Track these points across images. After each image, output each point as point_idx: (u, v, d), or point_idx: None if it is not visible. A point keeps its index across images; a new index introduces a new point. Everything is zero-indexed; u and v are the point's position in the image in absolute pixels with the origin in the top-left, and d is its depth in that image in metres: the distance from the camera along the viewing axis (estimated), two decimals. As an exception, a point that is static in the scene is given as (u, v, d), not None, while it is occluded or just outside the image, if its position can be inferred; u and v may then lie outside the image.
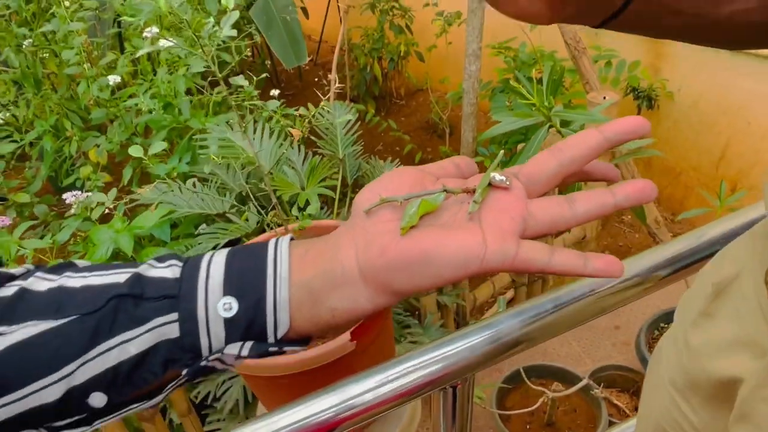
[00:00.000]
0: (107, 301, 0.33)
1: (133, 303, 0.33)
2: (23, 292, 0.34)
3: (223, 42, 1.06)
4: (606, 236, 2.16)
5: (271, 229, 0.84)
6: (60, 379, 0.32)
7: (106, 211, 1.62)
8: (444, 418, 0.57)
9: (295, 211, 0.80)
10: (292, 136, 1.70)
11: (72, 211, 1.49)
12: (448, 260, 0.32)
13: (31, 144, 1.95)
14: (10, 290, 0.34)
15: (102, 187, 1.82)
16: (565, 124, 1.03)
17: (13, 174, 2.41)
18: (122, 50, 2.21)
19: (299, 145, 1.65)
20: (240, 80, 0.73)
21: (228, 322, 0.33)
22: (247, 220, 1.31)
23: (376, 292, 0.34)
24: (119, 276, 0.34)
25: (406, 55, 3.05)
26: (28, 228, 1.57)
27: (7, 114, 1.94)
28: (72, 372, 0.32)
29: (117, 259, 1.51)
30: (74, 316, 0.32)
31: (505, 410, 1.35)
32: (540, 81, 0.96)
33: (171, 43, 1.35)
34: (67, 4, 1.69)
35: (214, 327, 0.33)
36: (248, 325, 0.33)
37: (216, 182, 1.57)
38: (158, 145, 1.00)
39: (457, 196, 0.36)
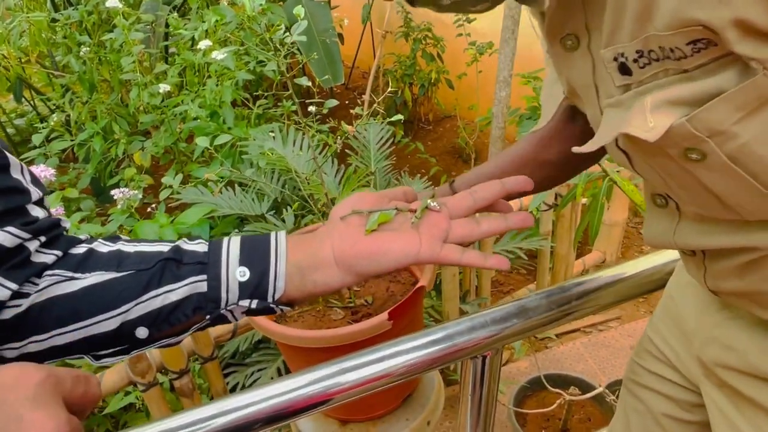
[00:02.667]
0: (156, 263, 0.45)
1: (175, 265, 0.46)
2: (91, 252, 0.47)
3: (267, 59, 1.15)
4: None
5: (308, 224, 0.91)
6: (119, 314, 0.44)
7: (149, 209, 1.71)
8: (473, 385, 0.63)
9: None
10: (334, 147, 1.79)
11: (118, 206, 1.59)
12: (396, 253, 0.47)
13: (79, 145, 2.07)
14: (80, 249, 0.47)
15: (144, 188, 1.92)
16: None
17: (57, 174, 2.54)
18: (166, 61, 2.34)
19: (333, 158, 1.74)
20: (304, 81, 0.81)
21: (242, 284, 0.46)
22: (284, 221, 1.39)
23: (345, 273, 0.48)
24: (163, 246, 0.48)
25: (436, 82, 3.16)
26: (78, 221, 1.67)
27: (62, 115, 2.06)
28: (128, 310, 0.44)
29: (158, 253, 1.59)
30: (132, 271, 0.45)
31: (522, 415, 1.39)
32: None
33: (224, 54, 1.45)
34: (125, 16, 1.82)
35: (232, 286, 0.46)
36: (255, 287, 0.46)
37: (254, 187, 1.66)
38: (224, 137, 1.08)
39: (404, 213, 0.51)
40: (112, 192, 1.59)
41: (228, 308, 0.46)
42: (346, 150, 1.76)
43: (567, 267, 1.61)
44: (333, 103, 0.98)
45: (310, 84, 1.10)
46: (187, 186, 1.60)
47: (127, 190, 1.60)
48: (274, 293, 0.46)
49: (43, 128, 2.00)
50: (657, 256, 0.69)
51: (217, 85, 1.84)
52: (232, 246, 0.48)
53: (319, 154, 1.73)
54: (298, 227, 1.36)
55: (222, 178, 1.75)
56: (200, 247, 0.48)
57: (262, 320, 0.79)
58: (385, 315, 0.77)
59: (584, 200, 1.33)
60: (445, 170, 2.77)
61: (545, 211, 1.45)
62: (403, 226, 0.50)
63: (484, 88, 2.73)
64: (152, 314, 0.44)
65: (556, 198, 1.44)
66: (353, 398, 0.55)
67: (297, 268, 0.47)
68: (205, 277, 0.45)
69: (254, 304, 0.46)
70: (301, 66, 3.10)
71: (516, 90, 1.99)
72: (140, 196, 1.62)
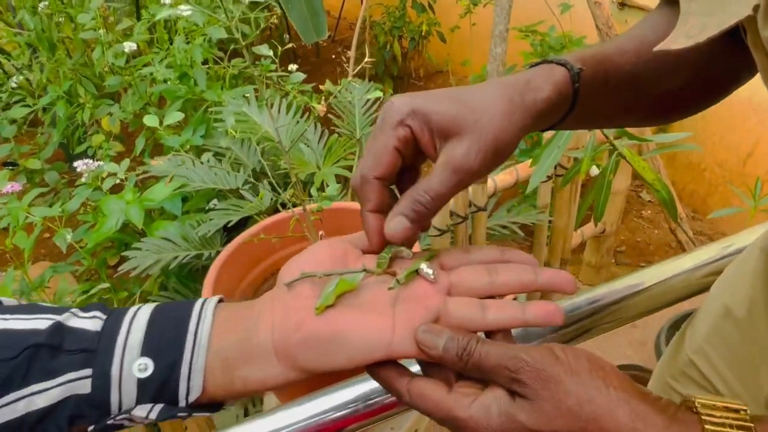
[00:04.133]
0: (23, 350, 0.32)
1: (49, 354, 0.32)
2: None
3: (243, 13, 1.02)
4: (625, 231, 2.11)
5: (287, 208, 0.80)
6: None
7: (118, 181, 1.59)
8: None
9: (314, 191, 0.76)
10: (315, 112, 1.66)
11: (83, 180, 1.46)
12: (356, 344, 0.33)
13: (44, 110, 1.92)
14: None
15: (114, 157, 1.79)
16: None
17: (25, 139, 2.39)
18: (138, 18, 2.16)
19: (316, 123, 1.61)
20: (263, 50, 0.69)
21: (141, 383, 0.33)
22: (261, 198, 1.28)
23: (286, 367, 0.34)
24: (41, 322, 0.33)
25: (427, 35, 2.98)
26: (37, 195, 1.55)
27: (21, 78, 1.91)
28: None
29: (127, 230, 1.49)
30: None
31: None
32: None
33: (191, 9, 1.30)
34: (84, -34, 1.64)
35: (126, 386, 0.33)
36: (161, 387, 0.33)
37: (230, 157, 1.53)
38: (174, 116, 0.96)
39: (378, 276, 0.37)
40: (75, 163, 1.46)
41: (120, 417, 0.33)
42: (330, 115, 1.63)
43: (565, 241, 1.51)
44: (299, 77, 0.85)
45: (287, 39, 0.97)
46: (158, 158, 1.47)
47: (90, 161, 1.47)
48: (187, 394, 0.33)
49: (2, 92, 1.85)
50: (681, 260, 0.59)
51: (187, 43, 1.69)
52: (135, 323, 0.34)
53: (301, 117, 1.60)
54: (276, 205, 1.25)
55: (194, 147, 1.63)
56: (92, 323, 0.34)
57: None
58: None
59: (595, 169, 1.22)
60: (436, 130, 2.64)
61: (544, 182, 1.34)
62: (375, 297, 0.35)
63: (478, 42, 2.57)
64: (11, 424, 0.31)
65: (555, 168, 1.33)
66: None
67: (221, 360, 0.34)
68: (89, 372, 0.32)
69: (155, 412, 0.33)
70: (283, 20, 2.92)
71: (512, 45, 1.85)
72: (106, 167, 1.50)
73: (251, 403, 1.18)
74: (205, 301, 0.36)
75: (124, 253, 1.25)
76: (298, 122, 1.51)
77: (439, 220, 1.13)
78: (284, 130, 1.37)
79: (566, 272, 0.37)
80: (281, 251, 0.91)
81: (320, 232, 0.72)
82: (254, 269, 0.86)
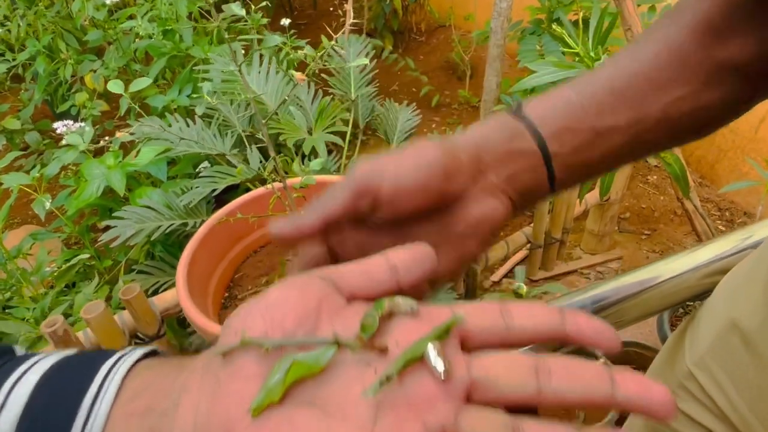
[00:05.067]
0: None
1: None
2: None
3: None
4: (629, 197, 2.04)
5: (268, 184, 0.74)
6: None
7: (101, 143, 1.52)
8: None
9: (296, 166, 0.70)
10: (310, 69, 1.57)
11: (64, 142, 1.39)
12: None
13: (24, 66, 1.83)
14: None
15: (98, 117, 1.71)
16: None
17: (9, 96, 2.30)
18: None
19: (309, 83, 1.53)
20: (236, 8, 0.61)
21: None
22: (248, 163, 1.21)
23: None
24: None
25: (429, -13, 2.85)
26: (18, 157, 1.48)
27: (0, 31, 1.81)
28: None
29: (111, 196, 1.42)
30: None
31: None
32: (579, 23, 0.83)
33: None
34: None
35: None
36: None
37: (218, 119, 1.46)
38: (140, 82, 0.88)
39: (357, 352, 0.24)
40: (55, 125, 1.39)
41: None
42: (323, 74, 1.54)
43: (568, 210, 1.45)
44: (275, 40, 0.77)
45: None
46: (141, 120, 1.40)
47: (71, 122, 1.40)
48: None
49: (-21, 46, 1.76)
50: (699, 252, 0.53)
51: (172, -5, 1.59)
52: (16, 392, 0.25)
53: (291, 79, 1.51)
54: (262, 176, 1.19)
55: (181, 107, 1.55)
56: None
57: (195, 314, 0.64)
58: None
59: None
60: (437, 89, 2.55)
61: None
62: (346, 399, 0.23)
63: (482, -5, 2.44)
64: None
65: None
66: None
67: None
68: None
69: None
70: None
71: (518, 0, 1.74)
72: (88, 128, 1.42)
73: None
74: (117, 361, 0.26)
75: (104, 222, 1.19)
76: (289, 82, 1.43)
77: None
78: (272, 91, 1.29)
79: (661, 388, 0.23)
80: (264, 227, 0.85)
81: (302, 211, 0.65)
82: (235, 247, 0.80)
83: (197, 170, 1.39)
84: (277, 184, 0.68)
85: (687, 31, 0.35)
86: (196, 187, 1.15)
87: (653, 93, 0.35)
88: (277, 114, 1.31)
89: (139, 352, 0.28)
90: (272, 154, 0.61)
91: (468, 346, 0.25)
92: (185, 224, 1.20)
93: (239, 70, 0.59)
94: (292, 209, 0.67)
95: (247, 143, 1.32)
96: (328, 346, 0.24)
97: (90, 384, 0.25)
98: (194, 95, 1.53)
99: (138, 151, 1.27)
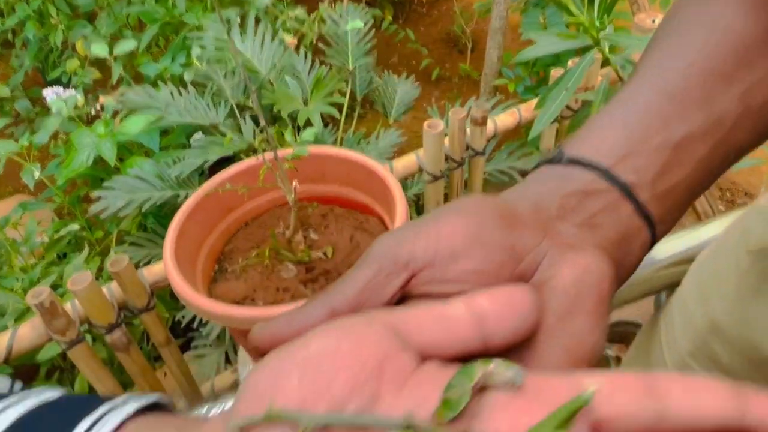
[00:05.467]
0: None
1: None
2: None
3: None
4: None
5: (258, 154, 0.71)
6: None
7: (93, 112, 1.49)
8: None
9: (288, 135, 0.68)
10: (308, 39, 1.53)
11: (53, 110, 1.36)
12: None
13: (15, 32, 1.79)
14: None
15: (90, 85, 1.67)
16: (613, 50, 0.87)
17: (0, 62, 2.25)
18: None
19: (306, 53, 1.49)
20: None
21: None
22: (241, 133, 1.19)
23: None
24: None
25: (431, -43, 2.78)
26: (7, 126, 1.45)
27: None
28: None
29: (99, 166, 1.40)
30: None
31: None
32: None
33: None
34: None
35: None
36: None
37: (212, 88, 1.42)
38: (127, 44, 0.85)
39: None
40: (45, 92, 1.35)
41: None
42: (320, 44, 1.50)
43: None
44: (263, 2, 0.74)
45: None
46: (132, 87, 1.36)
47: (62, 90, 1.36)
48: None
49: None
50: (701, 231, 0.51)
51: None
52: None
53: (287, 48, 1.47)
54: (253, 149, 1.16)
55: (175, 76, 1.51)
56: None
57: (184, 288, 0.63)
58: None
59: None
60: (437, 62, 2.50)
61: (551, 123, 1.25)
62: None
63: (485, -35, 2.38)
64: None
65: (562, 109, 1.22)
66: None
67: None
68: None
69: None
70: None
71: (522, -30, 1.69)
72: (79, 96, 1.39)
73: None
74: (100, 417, 0.20)
75: (94, 193, 1.17)
76: (285, 50, 1.39)
77: (433, 165, 1.04)
78: (267, 60, 1.26)
79: None
80: (258, 197, 0.83)
81: (294, 184, 0.63)
82: (225, 218, 0.78)
83: (191, 140, 1.36)
84: (268, 155, 0.66)
85: (736, 5, 0.29)
86: (188, 159, 1.13)
87: (722, 85, 0.28)
88: (271, 84, 1.28)
89: (131, 406, 0.21)
90: (263, 122, 0.58)
91: None
92: (177, 196, 1.18)
93: (228, 34, 0.56)
94: (284, 181, 0.64)
95: (238, 113, 1.29)
96: (396, 429, 0.17)
97: None
98: (188, 64, 1.49)
99: (121, 120, 1.23)
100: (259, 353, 0.22)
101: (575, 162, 0.26)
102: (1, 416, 0.20)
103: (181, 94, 1.31)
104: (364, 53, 1.54)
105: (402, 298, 0.22)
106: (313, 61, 1.49)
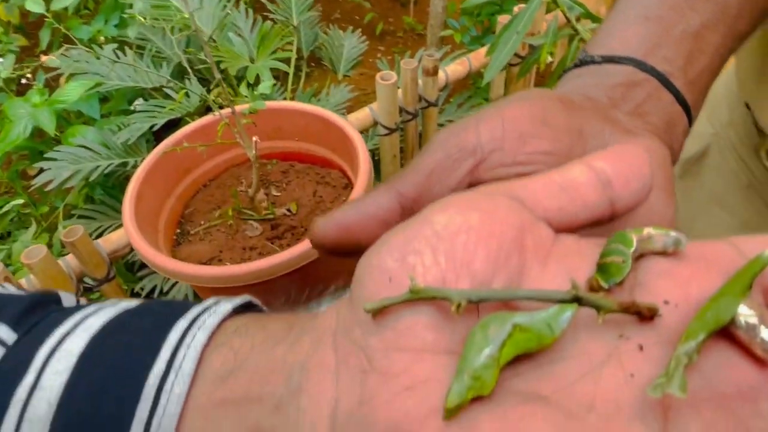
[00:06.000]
0: None
1: None
2: None
3: None
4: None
5: (213, 111, 0.70)
6: None
7: (24, 81, 1.40)
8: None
9: (243, 89, 0.66)
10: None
11: (-21, 80, 1.28)
12: None
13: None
14: None
15: (17, 53, 1.57)
16: (559, -8, 0.88)
17: None
18: None
19: (247, 9, 1.44)
20: None
21: None
22: (188, 96, 1.15)
23: None
24: None
25: None
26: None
27: None
28: None
29: (43, 137, 1.33)
30: None
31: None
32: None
33: None
34: None
35: None
36: None
37: (151, 50, 1.36)
38: (34, 4, 0.80)
39: (607, 317, 0.15)
40: (-33, 62, 1.26)
41: None
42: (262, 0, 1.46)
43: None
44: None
45: None
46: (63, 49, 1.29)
47: (-14, 58, 1.28)
48: None
49: None
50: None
51: None
52: (53, 368, 0.17)
53: (228, 2, 1.42)
54: (204, 106, 1.13)
55: (110, 38, 1.44)
56: None
57: (149, 251, 0.61)
58: (308, 242, 0.61)
59: (550, 59, 1.14)
60: (381, 16, 2.46)
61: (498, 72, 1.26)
62: (599, 392, 0.14)
63: None
64: None
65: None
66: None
67: None
68: None
69: None
70: None
71: None
72: (8, 63, 1.30)
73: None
74: (194, 321, 0.18)
75: (37, 164, 1.11)
76: (225, 7, 1.34)
77: (387, 117, 1.04)
78: (207, 16, 1.21)
79: None
80: (215, 157, 0.81)
81: (254, 138, 0.63)
82: (183, 181, 0.76)
83: (132, 107, 1.31)
84: (225, 111, 0.64)
85: None
86: (134, 123, 1.08)
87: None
88: (214, 41, 1.23)
89: (226, 306, 0.19)
90: (217, 75, 0.57)
91: None
92: (125, 164, 1.13)
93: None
94: (243, 137, 0.63)
95: (189, 70, 1.24)
96: (561, 309, 0.15)
97: (155, 357, 0.17)
98: (122, 26, 1.41)
99: (66, 86, 1.17)
100: (325, 249, 0.21)
101: (609, 59, 0.27)
102: (85, 323, 0.19)
103: (118, 58, 1.25)
104: (308, 8, 1.50)
105: (470, 185, 0.21)
106: (255, 18, 1.44)
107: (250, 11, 1.45)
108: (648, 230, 0.16)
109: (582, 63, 0.28)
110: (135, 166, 1.12)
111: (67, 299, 0.22)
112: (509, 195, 0.18)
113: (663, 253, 0.16)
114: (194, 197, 0.78)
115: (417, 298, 0.15)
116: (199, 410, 0.17)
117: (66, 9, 1.55)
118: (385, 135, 1.08)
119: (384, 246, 0.16)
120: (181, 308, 0.19)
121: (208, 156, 0.76)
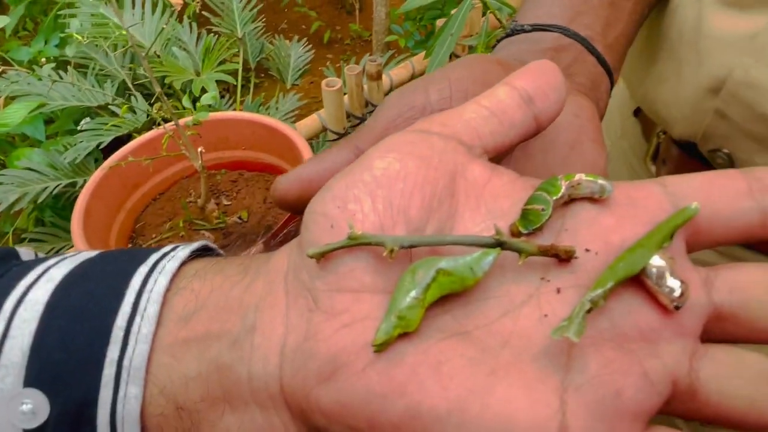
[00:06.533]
0: None
1: None
2: None
3: None
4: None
5: (159, 125, 0.71)
6: None
7: (-38, 106, 1.37)
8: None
9: (186, 101, 0.68)
10: (192, 8, 1.47)
11: None
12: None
13: None
14: None
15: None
16: (490, -5, 0.92)
17: None
18: None
19: (191, 23, 1.44)
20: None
21: None
22: (134, 112, 1.15)
23: (299, 423, 0.17)
24: None
25: None
26: None
27: None
28: None
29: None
30: None
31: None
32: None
33: None
34: None
35: None
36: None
37: (94, 68, 1.35)
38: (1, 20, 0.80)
39: (529, 260, 0.16)
40: None
41: None
42: (205, 12, 1.46)
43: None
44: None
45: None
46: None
47: None
48: None
49: None
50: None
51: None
52: (20, 317, 0.18)
53: (170, 17, 1.42)
54: (151, 121, 1.13)
55: (51, 59, 1.42)
56: None
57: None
58: (259, 245, 0.62)
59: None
60: (327, 24, 2.49)
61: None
62: (514, 330, 0.16)
63: None
64: None
65: (450, 58, 1.28)
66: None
67: (174, 404, 0.18)
68: None
69: None
70: None
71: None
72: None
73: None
74: (154, 266, 0.19)
75: (-19, 190, 1.09)
76: (168, 22, 1.34)
77: (335, 123, 1.06)
78: (149, 32, 1.21)
79: None
80: (163, 171, 0.82)
81: (199, 149, 0.64)
82: (132, 195, 0.77)
83: (79, 127, 1.29)
84: (169, 125, 0.66)
85: None
86: (81, 142, 1.08)
87: None
88: (158, 56, 1.24)
89: (184, 251, 0.20)
90: (158, 89, 0.58)
91: (696, 245, 0.16)
92: (74, 184, 1.13)
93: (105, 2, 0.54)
94: (188, 149, 0.65)
95: (131, 88, 1.24)
96: (484, 253, 0.16)
97: (121, 300, 0.18)
98: (63, 45, 1.40)
99: (7, 109, 1.15)
100: (287, 204, 0.23)
101: (538, 27, 0.30)
102: (49, 272, 0.19)
103: (61, 77, 1.23)
104: (252, 19, 1.51)
105: None
106: (199, 32, 1.45)
107: (194, 25, 1.46)
108: (579, 176, 0.17)
109: (513, 32, 0.31)
110: (84, 185, 1.11)
111: (26, 254, 0.23)
112: (443, 132, 0.19)
113: (591, 199, 0.17)
114: (144, 211, 0.79)
115: (355, 244, 0.16)
116: (165, 349, 0.18)
117: (3, 30, 1.53)
118: (335, 140, 1.10)
119: (328, 193, 0.18)
120: (142, 255, 0.20)
121: (156, 170, 0.77)
